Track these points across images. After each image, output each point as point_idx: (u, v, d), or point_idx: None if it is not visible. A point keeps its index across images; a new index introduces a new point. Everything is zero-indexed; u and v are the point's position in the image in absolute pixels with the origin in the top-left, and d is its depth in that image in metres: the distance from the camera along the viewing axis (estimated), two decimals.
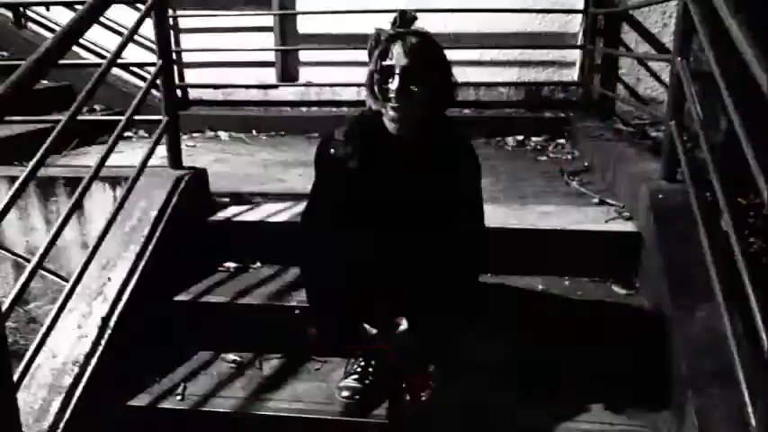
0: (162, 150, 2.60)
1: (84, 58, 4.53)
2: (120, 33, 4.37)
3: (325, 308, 1.92)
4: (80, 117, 2.20)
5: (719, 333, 1.66)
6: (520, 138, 4.17)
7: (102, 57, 4.41)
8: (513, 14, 4.24)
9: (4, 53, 4.57)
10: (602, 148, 3.28)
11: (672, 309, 1.92)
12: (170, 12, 4.07)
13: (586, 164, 3.47)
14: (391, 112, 1.72)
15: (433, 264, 1.80)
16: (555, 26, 4.36)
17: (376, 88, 1.73)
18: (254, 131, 4.53)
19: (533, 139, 4.15)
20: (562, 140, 4.06)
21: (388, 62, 1.69)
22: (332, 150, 1.82)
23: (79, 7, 2.02)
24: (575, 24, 4.32)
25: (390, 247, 1.78)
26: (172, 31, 4.30)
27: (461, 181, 1.86)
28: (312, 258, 1.91)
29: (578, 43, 4.30)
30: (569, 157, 3.72)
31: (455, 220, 1.83)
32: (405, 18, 1.73)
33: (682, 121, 2.30)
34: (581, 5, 4.25)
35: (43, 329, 1.81)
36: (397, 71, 1.67)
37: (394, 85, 1.68)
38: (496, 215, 2.47)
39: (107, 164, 2.15)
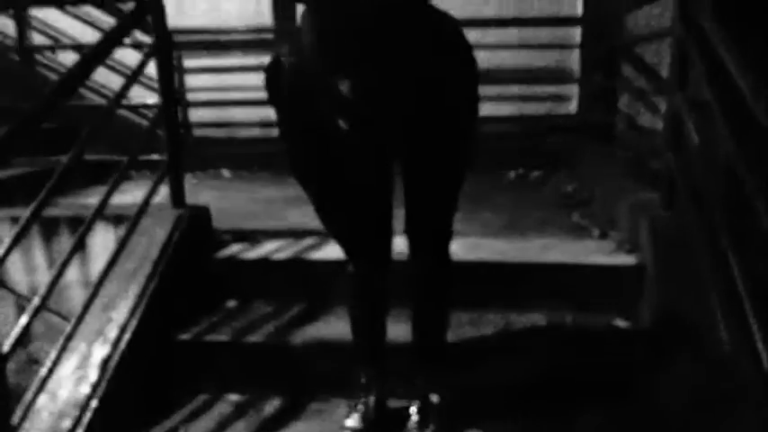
0: (165, 188, 2.62)
1: (88, 99, 4.59)
2: (123, 73, 4.43)
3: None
4: (84, 157, 2.22)
5: (723, 366, 1.64)
6: (521, 170, 4.19)
7: (106, 96, 4.47)
8: (513, 50, 4.30)
9: (10, 96, 4.63)
10: (603, 180, 3.29)
11: (675, 344, 1.90)
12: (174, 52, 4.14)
13: (587, 196, 3.48)
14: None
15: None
16: (554, 61, 4.41)
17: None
18: (256, 168, 4.57)
19: (534, 172, 4.17)
20: (563, 172, 4.07)
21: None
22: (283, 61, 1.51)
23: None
24: (574, 59, 4.38)
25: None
26: (176, 72, 4.40)
27: (452, 66, 1.56)
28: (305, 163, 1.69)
29: (577, 77, 4.34)
30: (570, 189, 3.73)
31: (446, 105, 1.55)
32: None
33: (680, 151, 2.31)
34: (578, 39, 4.31)
35: (43, 372, 1.80)
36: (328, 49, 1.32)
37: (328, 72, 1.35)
38: (497, 249, 2.47)
39: (110, 202, 2.17)
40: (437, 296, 1.87)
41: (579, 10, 4.39)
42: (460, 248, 2.33)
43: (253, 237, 2.77)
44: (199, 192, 3.82)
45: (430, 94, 1.51)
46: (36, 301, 1.77)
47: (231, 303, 2.50)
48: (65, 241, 2.78)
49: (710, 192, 2.03)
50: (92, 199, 3.37)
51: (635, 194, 2.73)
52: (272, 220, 3.17)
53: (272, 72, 1.53)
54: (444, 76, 1.53)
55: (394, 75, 1.43)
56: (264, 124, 4.75)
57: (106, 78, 4.59)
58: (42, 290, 1.79)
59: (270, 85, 1.54)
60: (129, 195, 3.00)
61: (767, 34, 2.20)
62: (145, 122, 4.69)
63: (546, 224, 2.95)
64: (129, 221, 2.31)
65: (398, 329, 2.02)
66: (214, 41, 4.72)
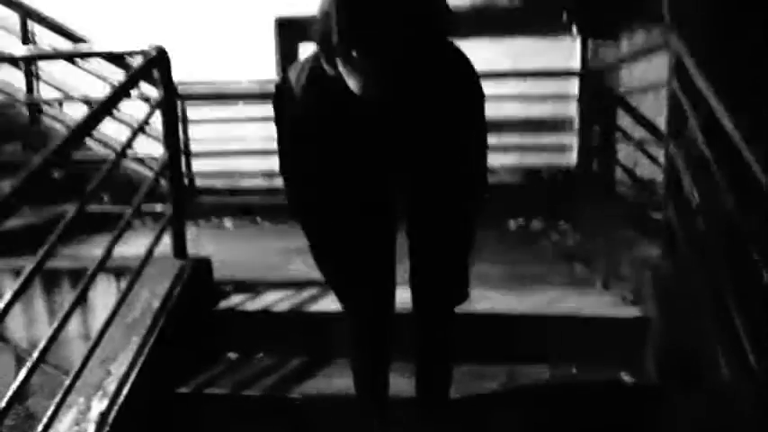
0: (167, 239, 2.63)
1: (92, 148, 4.64)
2: (126, 122, 4.47)
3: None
4: (89, 207, 2.23)
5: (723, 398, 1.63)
6: (521, 221, 4.21)
7: (107, 143, 4.50)
8: (512, 101, 4.37)
9: (18, 146, 4.68)
10: (604, 232, 3.30)
11: (680, 395, 1.87)
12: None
13: (589, 247, 3.48)
14: (353, 85, 1.28)
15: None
16: (552, 112, 4.48)
17: (334, 53, 1.26)
18: (258, 219, 4.59)
19: (534, 222, 4.18)
20: (563, 222, 4.09)
21: (345, 12, 1.17)
22: (291, 109, 1.51)
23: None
24: (572, 110, 4.45)
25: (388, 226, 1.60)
26: (180, 122, 4.47)
27: (462, 130, 1.52)
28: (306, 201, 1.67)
29: (575, 128, 4.41)
30: (571, 240, 3.74)
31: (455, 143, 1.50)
32: None
33: (680, 203, 2.32)
34: (576, 90, 4.39)
35: (40, 428, 1.77)
36: (359, 22, 1.17)
37: (353, 46, 1.19)
38: (499, 301, 2.46)
39: (112, 253, 2.17)
40: (441, 352, 1.84)
41: (577, 62, 4.48)
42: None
43: (254, 288, 2.76)
44: (201, 242, 3.82)
45: (439, 121, 1.47)
46: (35, 355, 1.76)
47: (232, 355, 2.47)
48: (66, 293, 2.77)
49: (711, 243, 2.03)
50: (95, 249, 3.37)
51: (637, 246, 2.74)
52: (274, 270, 3.17)
53: (281, 89, 1.54)
54: (455, 102, 1.49)
55: (410, 92, 1.36)
56: (267, 174, 4.80)
57: (109, 126, 4.66)
58: (42, 344, 1.78)
59: (278, 101, 1.56)
60: (132, 246, 3.00)
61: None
62: (148, 172, 4.73)
63: (548, 275, 2.94)
64: (131, 274, 2.31)
65: (402, 383, 1.99)
66: (218, 93, 4.81)
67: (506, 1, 4.53)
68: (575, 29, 4.45)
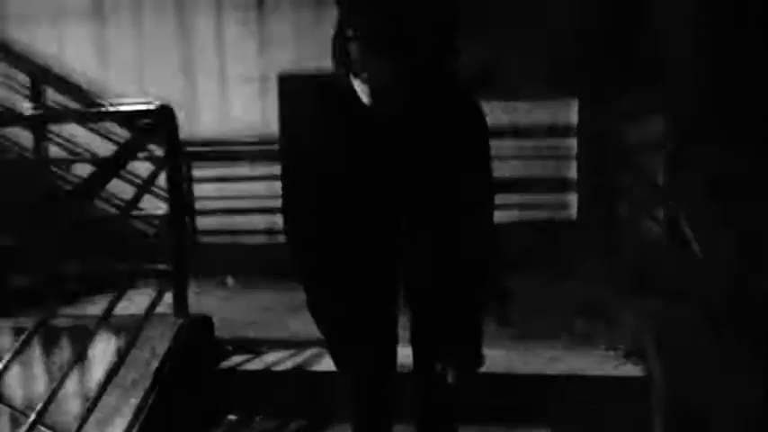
0: (169, 296, 2.62)
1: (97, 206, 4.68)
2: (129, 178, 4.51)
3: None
4: (91, 265, 2.24)
5: None
6: (522, 276, 4.19)
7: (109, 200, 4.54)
8: (511, 159, 4.42)
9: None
10: (607, 287, 3.29)
11: None
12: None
13: (590, 303, 3.45)
14: (367, 95, 1.30)
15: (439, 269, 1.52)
16: (552, 170, 4.53)
17: (349, 65, 1.30)
18: (259, 276, 4.58)
19: (536, 277, 4.16)
20: (565, 279, 4.07)
21: (364, 16, 1.20)
22: (298, 132, 1.49)
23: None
24: (571, 167, 4.50)
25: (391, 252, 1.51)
26: (184, 179, 4.53)
27: (467, 145, 1.47)
28: (306, 255, 1.61)
29: (575, 185, 4.45)
30: (573, 296, 3.71)
31: (460, 192, 1.47)
32: None
33: (681, 259, 2.33)
34: (575, 149, 4.45)
35: None
36: (377, 29, 1.19)
37: (381, 66, 1.21)
38: (502, 359, 2.43)
39: (112, 312, 2.17)
40: (442, 416, 1.81)
41: (575, 120, 4.56)
42: None
43: (255, 346, 2.74)
44: (202, 299, 3.81)
45: (445, 152, 1.45)
46: (32, 416, 1.74)
47: (232, 417, 2.44)
48: (65, 352, 2.75)
49: (714, 298, 2.03)
50: (96, 308, 3.37)
51: (639, 302, 2.72)
52: (275, 328, 3.15)
53: (284, 135, 1.53)
54: (461, 134, 1.47)
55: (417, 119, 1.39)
56: (269, 231, 4.83)
57: (113, 183, 4.72)
58: (39, 405, 1.76)
59: (284, 147, 1.54)
60: (134, 302, 3.00)
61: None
62: (151, 229, 4.76)
63: (551, 333, 2.92)
64: (131, 332, 2.30)
65: None
66: (222, 152, 4.88)
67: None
68: (572, 90, 4.54)
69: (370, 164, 1.43)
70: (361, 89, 1.31)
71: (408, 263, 1.62)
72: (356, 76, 1.29)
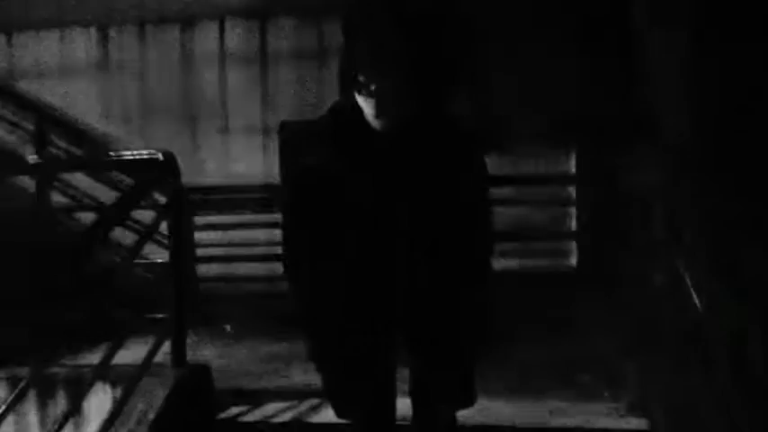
0: (168, 344, 2.60)
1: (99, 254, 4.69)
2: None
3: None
4: (90, 315, 2.23)
5: None
6: (524, 325, 4.16)
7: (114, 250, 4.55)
8: (510, 207, 4.44)
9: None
10: (609, 338, 3.26)
11: None
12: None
13: (592, 354, 3.42)
14: (371, 107, 1.36)
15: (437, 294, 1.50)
16: (551, 217, 4.55)
17: (356, 85, 1.37)
18: (261, 323, 4.55)
19: (538, 326, 4.13)
20: (567, 328, 4.04)
21: (368, 40, 1.32)
22: (305, 160, 1.49)
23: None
24: (570, 214, 4.53)
25: (389, 272, 1.48)
26: (186, 226, 4.54)
27: (466, 182, 1.50)
28: (307, 304, 1.61)
29: (575, 233, 4.46)
30: (576, 347, 3.68)
31: (459, 239, 1.49)
32: None
33: (685, 311, 2.31)
34: (574, 197, 4.49)
35: None
36: (379, 50, 1.30)
37: (374, 70, 1.31)
38: (504, 412, 2.40)
39: (110, 362, 2.15)
40: None
41: (573, 168, 4.61)
42: (465, 411, 2.26)
43: (254, 397, 2.70)
44: (201, 349, 3.78)
45: (444, 180, 1.47)
46: None
47: None
48: (60, 403, 2.70)
49: (718, 353, 2.01)
50: (93, 357, 3.34)
51: (642, 354, 2.69)
52: (274, 377, 3.12)
53: (287, 153, 1.55)
54: (460, 164, 1.50)
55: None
56: (270, 278, 4.81)
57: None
58: None
59: (285, 166, 1.56)
60: (132, 351, 2.97)
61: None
62: (149, 275, 4.74)
63: (554, 385, 2.88)
64: (128, 383, 2.27)
65: None
66: (224, 199, 4.92)
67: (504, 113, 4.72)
68: (570, 140, 4.61)
69: (370, 197, 1.45)
70: (366, 104, 1.36)
71: (408, 315, 1.61)
72: (363, 89, 1.35)
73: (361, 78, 1.35)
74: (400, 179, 1.43)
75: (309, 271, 1.58)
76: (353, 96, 1.41)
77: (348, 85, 1.40)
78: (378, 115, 1.37)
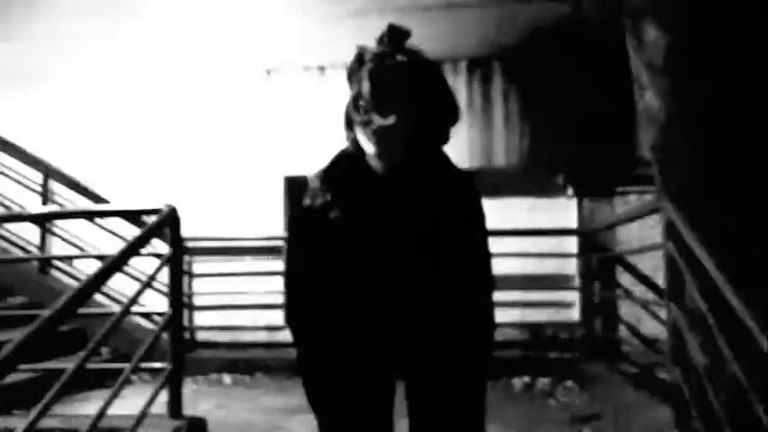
0: (164, 395, 2.57)
1: (98, 302, 4.65)
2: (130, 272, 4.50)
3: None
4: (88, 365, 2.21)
5: None
6: (527, 379, 4.11)
7: (113, 297, 4.53)
8: (513, 258, 4.44)
9: (22, 298, 4.68)
10: (612, 394, 3.22)
11: None
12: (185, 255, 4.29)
13: (596, 410, 3.37)
14: (373, 145, 1.43)
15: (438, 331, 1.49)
16: (553, 268, 4.55)
17: (357, 118, 1.44)
18: (258, 374, 4.50)
19: (540, 381, 4.08)
20: (569, 382, 3.99)
21: (371, 85, 1.40)
22: (307, 201, 1.51)
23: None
24: (572, 266, 4.52)
25: (391, 312, 1.48)
26: (185, 275, 4.54)
27: (463, 222, 1.53)
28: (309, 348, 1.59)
29: (576, 284, 4.45)
30: (578, 401, 3.63)
31: (459, 280, 1.50)
32: (396, 33, 1.45)
33: (686, 365, 2.29)
34: (575, 249, 4.49)
35: None
36: (382, 93, 1.39)
37: (385, 119, 1.39)
38: None
39: (106, 412, 2.12)
40: None
41: (574, 220, 4.63)
42: None
43: None
44: (198, 400, 3.73)
45: (441, 221, 1.49)
46: None
47: None
48: None
49: (721, 409, 1.98)
50: (90, 407, 3.28)
51: (646, 410, 2.65)
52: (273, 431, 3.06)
53: (294, 202, 1.57)
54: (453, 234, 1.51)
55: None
56: (268, 328, 4.78)
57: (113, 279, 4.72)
58: None
59: (291, 216, 1.61)
60: (129, 401, 2.93)
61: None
62: (147, 323, 4.70)
63: None
64: None
65: None
66: (225, 248, 4.94)
67: (503, 164, 4.78)
68: (570, 190, 4.65)
69: (372, 238, 1.48)
70: (367, 144, 1.44)
71: (408, 356, 1.59)
72: (365, 128, 1.43)
73: (364, 118, 1.42)
74: (401, 221, 1.47)
75: (312, 317, 1.57)
76: (357, 141, 1.48)
77: (352, 128, 1.47)
78: (378, 153, 1.44)
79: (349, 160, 1.52)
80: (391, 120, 1.40)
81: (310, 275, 1.54)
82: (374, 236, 1.48)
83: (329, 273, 1.51)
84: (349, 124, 1.49)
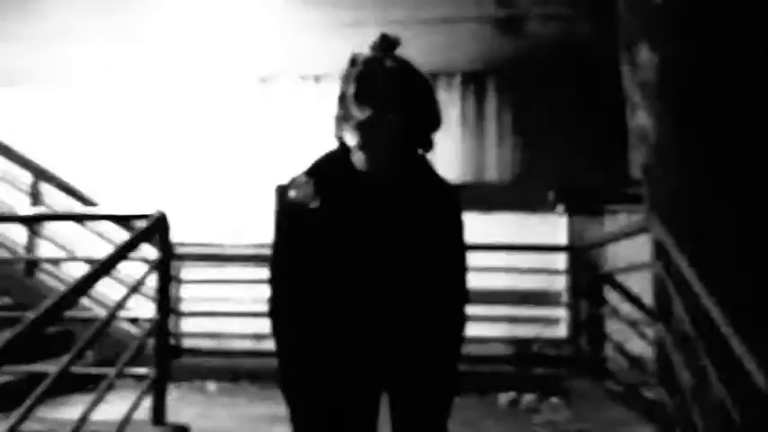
0: (148, 401, 2.55)
1: (84, 306, 4.61)
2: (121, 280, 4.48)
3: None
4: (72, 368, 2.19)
5: None
6: (512, 395, 4.10)
7: (100, 301, 4.48)
8: (502, 273, 4.45)
9: (7, 299, 4.64)
10: (597, 411, 3.22)
11: None
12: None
13: (582, 427, 3.37)
14: (359, 146, 1.50)
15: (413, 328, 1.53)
16: (542, 284, 4.56)
17: (339, 112, 1.52)
18: (244, 382, 4.47)
19: (526, 397, 4.07)
20: (555, 399, 3.98)
21: (356, 82, 1.48)
22: (292, 193, 1.56)
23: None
24: (561, 282, 4.53)
25: (372, 308, 1.51)
26: (173, 281, 4.50)
27: (442, 230, 1.58)
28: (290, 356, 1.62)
29: (564, 301, 4.46)
30: (563, 418, 3.63)
31: (433, 290, 1.54)
32: (386, 41, 1.55)
33: (672, 384, 2.30)
34: (564, 266, 4.50)
35: None
36: (370, 96, 1.47)
37: (364, 113, 1.46)
38: None
39: (90, 417, 2.10)
40: None
41: (564, 237, 4.65)
42: None
43: None
44: (182, 407, 3.68)
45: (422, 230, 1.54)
46: None
47: None
48: None
49: (706, 430, 1.99)
50: (73, 411, 3.24)
51: (630, 428, 2.66)
52: None
53: (281, 196, 1.60)
54: (432, 235, 1.56)
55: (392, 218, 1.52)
56: (255, 336, 4.75)
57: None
58: None
59: (278, 209, 1.61)
60: (113, 405, 2.90)
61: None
62: (133, 328, 4.66)
63: None
64: None
65: None
66: (214, 255, 4.91)
67: (495, 178, 4.80)
68: (560, 206, 4.67)
69: (356, 238, 1.51)
70: (351, 136, 1.50)
71: (392, 364, 1.59)
72: (346, 121, 1.50)
73: (343, 112, 1.49)
74: (381, 223, 1.52)
75: (296, 322, 1.58)
76: (342, 139, 1.54)
77: (340, 126, 1.53)
78: (359, 146, 1.49)
79: (334, 157, 1.58)
80: (367, 113, 1.45)
81: (293, 268, 1.58)
82: (354, 235, 1.52)
83: (310, 266, 1.54)
84: (338, 122, 1.55)
